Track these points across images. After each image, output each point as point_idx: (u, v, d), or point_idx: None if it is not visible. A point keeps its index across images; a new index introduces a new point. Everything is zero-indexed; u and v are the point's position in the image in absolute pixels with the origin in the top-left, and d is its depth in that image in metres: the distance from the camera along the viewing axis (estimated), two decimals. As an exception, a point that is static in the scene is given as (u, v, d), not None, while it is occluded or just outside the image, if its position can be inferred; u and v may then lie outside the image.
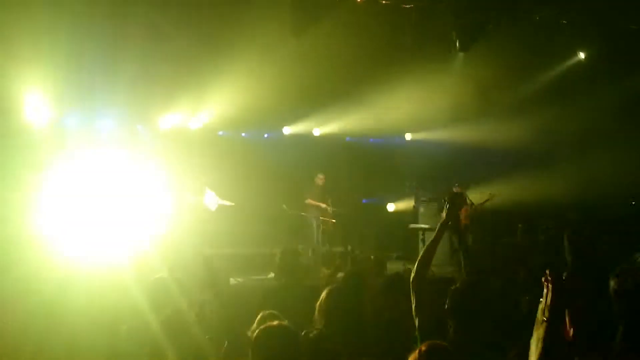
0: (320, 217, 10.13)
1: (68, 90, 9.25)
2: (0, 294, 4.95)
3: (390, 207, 11.84)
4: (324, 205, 9.97)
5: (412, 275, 2.88)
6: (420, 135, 12.21)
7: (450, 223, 2.97)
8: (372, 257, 9.97)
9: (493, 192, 9.71)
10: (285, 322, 2.79)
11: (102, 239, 7.53)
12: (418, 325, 2.76)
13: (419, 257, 2.96)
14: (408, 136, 12.47)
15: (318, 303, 3.47)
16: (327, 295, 3.46)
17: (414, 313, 2.81)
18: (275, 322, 2.77)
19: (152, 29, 8.53)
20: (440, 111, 10.76)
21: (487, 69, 9.32)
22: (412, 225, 10.53)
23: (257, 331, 2.72)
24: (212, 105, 10.30)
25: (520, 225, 9.92)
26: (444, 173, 10.96)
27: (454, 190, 9.88)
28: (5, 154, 8.01)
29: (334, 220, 10.35)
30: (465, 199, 9.75)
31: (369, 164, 12.29)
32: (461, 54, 8.44)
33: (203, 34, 8.73)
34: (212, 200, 9.20)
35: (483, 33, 7.97)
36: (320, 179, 10.18)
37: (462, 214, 9.64)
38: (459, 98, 10.20)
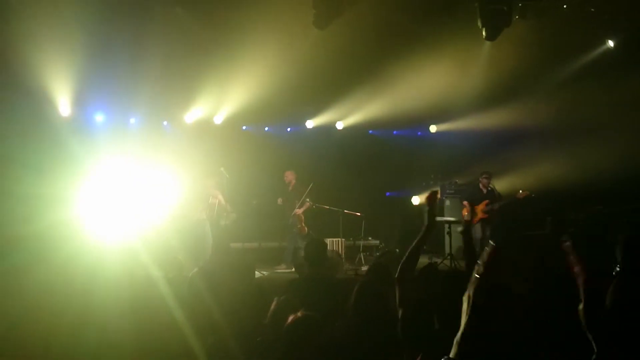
0: (345, 211, 10.12)
1: (95, 88, 9.42)
2: (32, 287, 5.05)
3: (415, 200, 11.76)
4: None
5: (397, 273, 2.94)
6: (445, 127, 12.08)
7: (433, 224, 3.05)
8: (397, 250, 9.97)
9: (523, 191, 9.51)
10: (312, 313, 2.81)
11: (128, 229, 7.71)
12: (401, 316, 2.83)
13: (404, 257, 2.99)
14: (433, 128, 12.35)
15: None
16: (357, 288, 3.49)
17: (397, 305, 2.88)
18: (304, 313, 2.78)
19: (176, 26, 8.59)
20: (465, 101, 10.63)
21: (514, 57, 9.16)
22: (438, 218, 10.44)
23: (287, 322, 2.74)
24: (236, 100, 10.35)
25: (549, 218, 9.74)
26: (469, 164, 10.82)
27: (482, 180, 9.78)
28: (35, 148, 8.19)
29: (359, 214, 10.33)
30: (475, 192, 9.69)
31: (393, 157, 12.22)
32: (488, 43, 8.29)
33: (226, 29, 8.76)
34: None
35: (509, 23, 7.82)
36: (285, 176, 9.95)
37: (481, 207, 9.54)
38: (484, 87, 10.05)
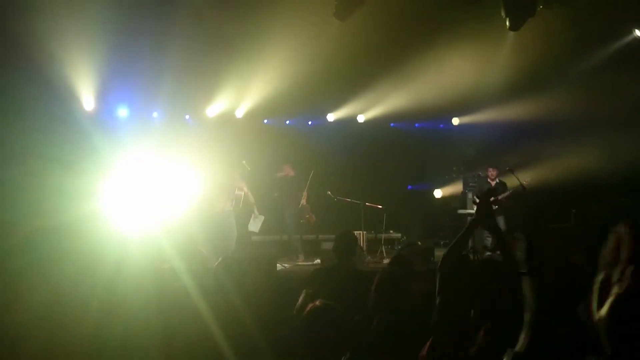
0: (366, 204, 10.09)
1: (118, 83, 9.54)
2: (60, 279, 5.13)
3: (438, 193, 11.69)
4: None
5: (440, 263, 2.94)
6: (468, 119, 11.97)
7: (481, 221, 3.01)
8: (418, 243, 9.93)
9: (526, 181, 9.47)
10: (331, 303, 2.81)
11: (152, 222, 7.80)
12: (438, 303, 2.83)
13: (448, 248, 2.98)
14: (455, 120, 12.25)
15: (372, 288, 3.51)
16: (377, 279, 3.49)
17: (436, 293, 2.88)
18: (322, 302, 2.78)
19: (197, 20, 8.63)
20: (488, 93, 10.51)
21: (539, 47, 9.02)
22: (461, 211, 10.37)
23: (305, 311, 2.74)
24: (257, 93, 10.39)
25: (573, 211, 9.62)
26: (492, 157, 10.71)
27: (489, 174, 9.82)
28: (60, 143, 8.32)
29: (380, 206, 10.30)
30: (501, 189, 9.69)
31: (414, 150, 12.16)
32: (511, 33, 8.18)
33: (247, 22, 8.77)
34: (256, 224, 9.42)
35: (533, 12, 7.69)
36: (283, 169, 9.95)
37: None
38: (508, 79, 9.92)
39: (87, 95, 9.64)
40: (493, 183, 9.84)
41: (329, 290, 3.49)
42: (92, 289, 4.77)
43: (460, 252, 3.01)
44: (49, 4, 7.81)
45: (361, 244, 9.59)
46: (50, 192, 7.56)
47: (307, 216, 9.58)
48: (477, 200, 3.09)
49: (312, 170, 9.84)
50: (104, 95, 9.77)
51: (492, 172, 9.91)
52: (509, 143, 10.82)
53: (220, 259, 3.85)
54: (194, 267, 5.00)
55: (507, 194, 9.62)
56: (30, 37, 8.08)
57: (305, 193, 9.70)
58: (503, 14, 7.50)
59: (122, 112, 10.36)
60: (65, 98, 9.21)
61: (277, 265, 8.31)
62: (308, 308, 2.80)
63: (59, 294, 4.77)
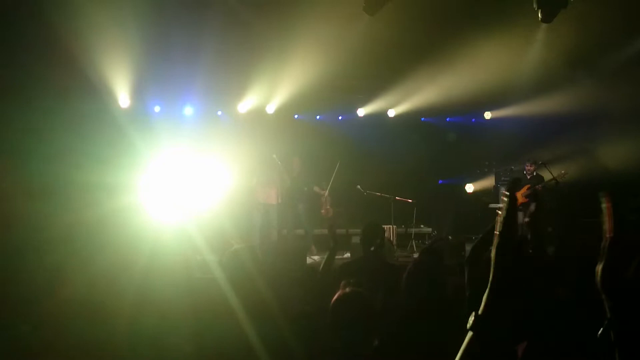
0: (397, 198, 10.09)
1: (153, 80, 9.74)
2: (97, 270, 5.27)
3: (469, 187, 11.59)
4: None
5: (469, 255, 2.86)
6: (500, 113, 11.82)
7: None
8: (449, 237, 9.88)
9: (564, 171, 9.35)
10: (360, 289, 2.82)
11: (185, 215, 7.96)
12: (467, 297, 2.74)
13: (477, 240, 2.95)
14: (487, 115, 12.10)
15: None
16: (409, 269, 3.50)
17: (466, 286, 2.82)
18: (351, 289, 2.79)
19: (229, 17, 8.74)
20: (520, 86, 10.35)
21: (572, 39, 8.84)
22: (492, 205, 10.27)
23: (334, 297, 2.76)
24: (288, 89, 10.47)
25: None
26: (525, 151, 10.57)
27: (526, 167, 9.72)
28: (97, 139, 8.55)
29: (410, 200, 10.28)
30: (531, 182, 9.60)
31: (446, 144, 12.07)
32: (544, 25, 8.03)
33: (278, 18, 8.84)
34: None
35: (565, 4, 7.52)
36: (293, 162, 9.91)
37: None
38: (540, 72, 9.76)
39: (122, 93, 9.89)
40: (529, 177, 9.75)
41: (357, 282, 3.52)
42: (128, 281, 4.89)
43: (488, 246, 2.98)
44: (87, 2, 8.02)
45: (391, 238, 9.59)
46: (87, 186, 7.77)
47: (328, 207, 9.65)
48: (507, 194, 3.03)
49: (337, 162, 9.87)
50: (139, 93, 10.00)
51: (529, 167, 9.83)
52: (542, 137, 10.66)
53: (235, 246, 3.90)
54: (224, 259, 5.08)
55: (541, 185, 9.56)
56: (70, 38, 8.32)
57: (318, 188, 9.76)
58: (535, 5, 7.38)
59: (157, 108, 10.59)
60: (102, 96, 9.47)
61: (307, 258, 8.40)
62: (337, 295, 2.82)
63: (96, 286, 4.90)
